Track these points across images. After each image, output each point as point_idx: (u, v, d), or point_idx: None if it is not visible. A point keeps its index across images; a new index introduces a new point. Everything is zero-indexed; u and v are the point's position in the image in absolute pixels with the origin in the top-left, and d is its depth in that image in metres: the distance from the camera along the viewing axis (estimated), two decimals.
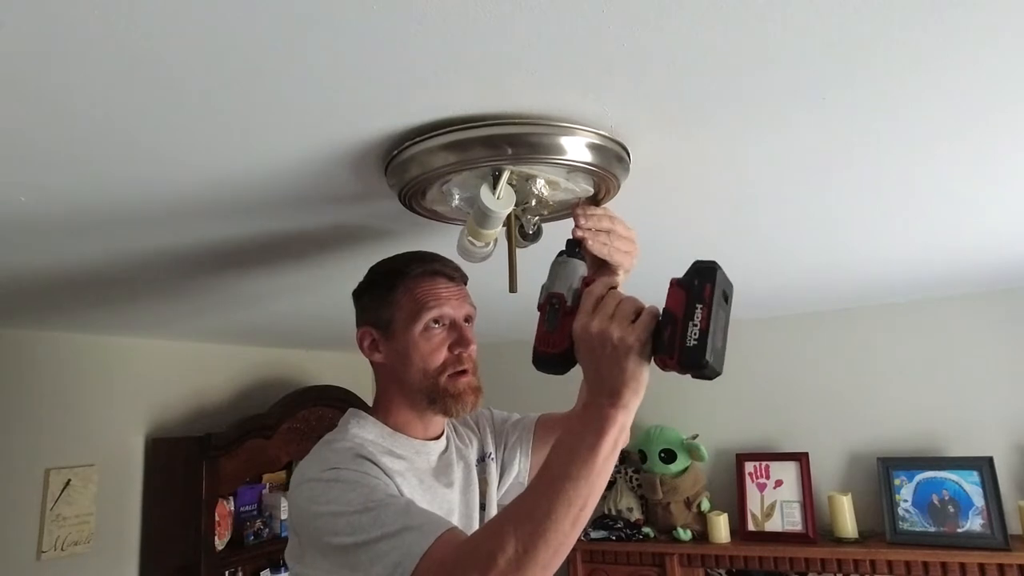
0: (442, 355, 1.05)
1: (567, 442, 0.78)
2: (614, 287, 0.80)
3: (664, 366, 0.75)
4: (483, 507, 1.17)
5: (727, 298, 0.75)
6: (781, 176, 1.10)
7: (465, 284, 1.13)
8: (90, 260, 1.36)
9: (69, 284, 1.55)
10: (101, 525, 2.29)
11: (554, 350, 0.82)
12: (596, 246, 0.89)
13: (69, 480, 2.21)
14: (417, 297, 1.06)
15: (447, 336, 1.06)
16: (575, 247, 0.88)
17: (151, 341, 2.54)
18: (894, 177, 1.13)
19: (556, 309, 0.83)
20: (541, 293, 0.86)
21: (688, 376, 0.74)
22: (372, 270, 1.14)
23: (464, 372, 1.06)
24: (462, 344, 1.06)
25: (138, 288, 1.64)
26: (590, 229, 0.89)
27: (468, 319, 1.11)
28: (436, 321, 1.06)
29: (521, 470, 1.26)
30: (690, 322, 0.73)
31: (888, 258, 1.77)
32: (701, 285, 0.74)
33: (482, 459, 1.23)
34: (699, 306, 0.73)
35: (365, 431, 1.07)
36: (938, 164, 1.08)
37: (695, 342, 0.72)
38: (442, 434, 1.16)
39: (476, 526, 1.13)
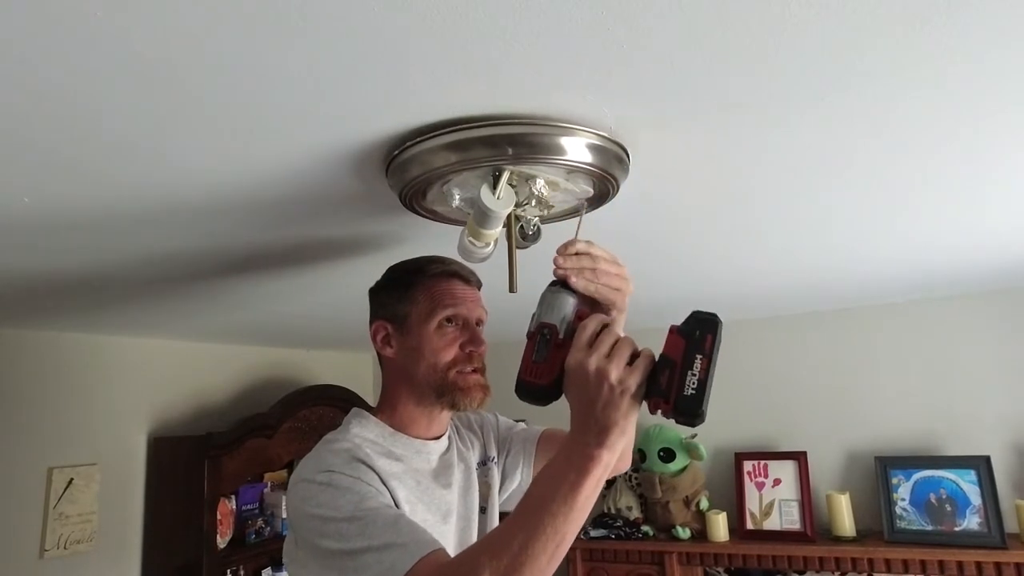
0: (453, 352, 1.08)
1: (549, 476, 0.77)
2: (608, 324, 0.79)
3: (655, 408, 0.76)
4: (484, 510, 1.17)
5: (718, 351, 0.76)
6: (780, 176, 1.11)
7: (479, 289, 1.16)
8: (92, 262, 1.37)
9: (72, 285, 1.56)
10: (103, 524, 2.31)
11: (541, 381, 0.81)
12: (581, 283, 0.84)
13: (72, 479, 2.22)
14: (434, 295, 1.10)
15: (459, 335, 1.09)
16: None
17: (153, 341, 2.55)
18: (894, 177, 1.14)
19: (547, 340, 0.82)
20: (531, 321, 0.85)
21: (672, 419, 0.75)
22: (391, 268, 1.17)
23: (474, 370, 1.09)
24: (474, 343, 1.09)
25: (140, 289, 1.65)
26: (570, 268, 0.84)
27: (479, 322, 1.14)
28: (450, 320, 1.09)
29: (524, 480, 1.27)
30: (688, 371, 0.74)
31: (887, 258, 1.78)
32: (702, 336, 0.75)
33: (484, 462, 1.23)
34: (699, 356, 0.74)
35: (366, 431, 1.08)
36: (937, 165, 1.09)
37: (693, 391, 0.73)
38: (444, 434, 1.17)
39: (475, 529, 1.14)
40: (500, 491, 1.25)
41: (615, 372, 0.74)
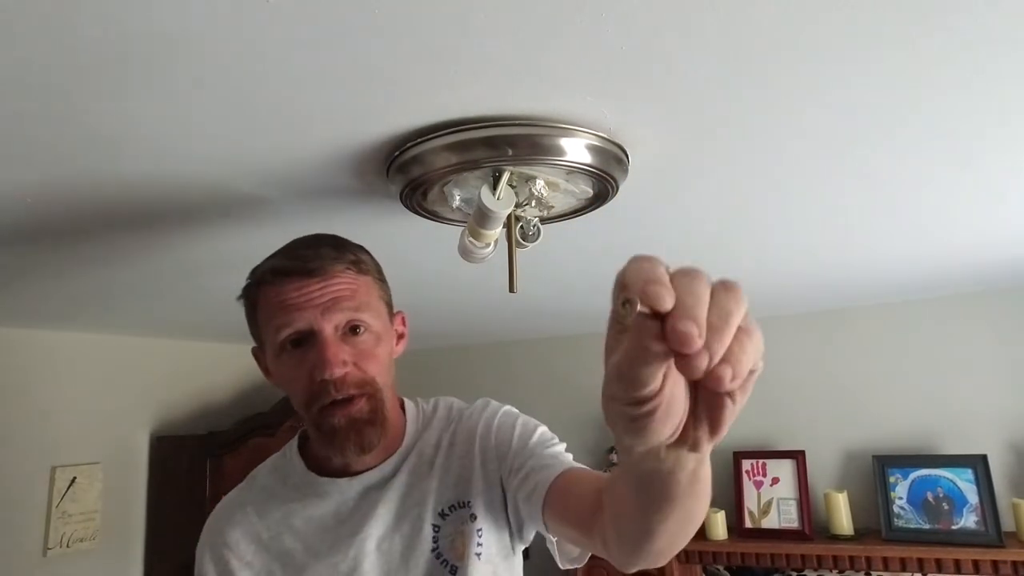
0: (302, 383, 0.82)
1: None
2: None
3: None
4: (454, 571, 0.86)
5: None
6: (779, 176, 1.12)
7: (349, 271, 0.84)
8: (93, 261, 1.39)
9: (72, 283, 1.57)
10: (106, 522, 2.32)
11: None
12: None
13: (75, 477, 2.23)
14: (268, 312, 0.83)
15: (305, 357, 0.81)
16: None
17: (156, 340, 2.57)
18: (893, 178, 1.14)
19: None
20: None
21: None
22: None
23: (336, 404, 0.80)
24: (321, 367, 0.79)
25: (141, 288, 1.66)
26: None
27: (354, 326, 0.83)
28: (291, 341, 0.82)
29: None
30: None
31: (885, 258, 1.78)
32: None
33: (450, 509, 0.90)
34: None
35: (277, 466, 1.01)
36: (937, 165, 1.09)
37: None
38: (380, 464, 0.92)
39: None
40: (498, 547, 0.91)
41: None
